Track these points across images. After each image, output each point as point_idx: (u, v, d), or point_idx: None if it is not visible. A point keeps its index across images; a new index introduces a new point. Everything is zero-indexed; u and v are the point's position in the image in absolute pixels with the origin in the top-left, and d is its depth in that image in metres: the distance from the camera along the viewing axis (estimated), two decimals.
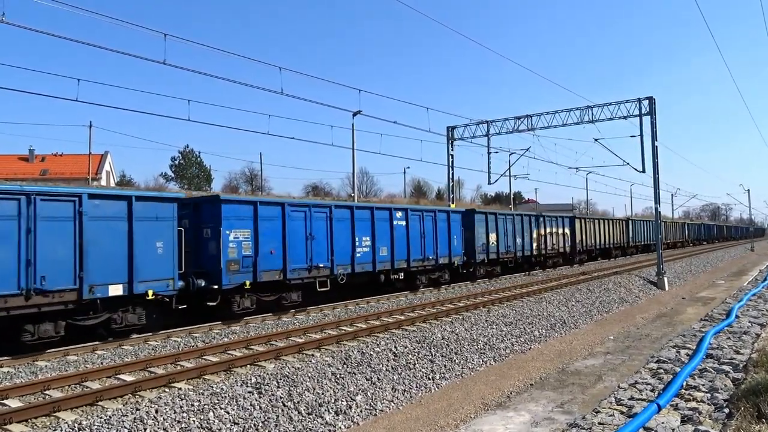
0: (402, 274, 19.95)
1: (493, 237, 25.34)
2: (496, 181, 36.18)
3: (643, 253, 48.22)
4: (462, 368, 11.81)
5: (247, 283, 14.22)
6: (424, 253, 20.82)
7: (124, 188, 39.02)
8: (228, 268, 13.82)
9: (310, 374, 9.64)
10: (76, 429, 6.98)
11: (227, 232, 13.87)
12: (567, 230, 33.28)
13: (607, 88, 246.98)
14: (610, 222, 41.86)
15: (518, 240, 27.66)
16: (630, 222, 46.22)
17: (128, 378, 9.26)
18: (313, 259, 16.11)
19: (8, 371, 9.75)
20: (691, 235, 69.86)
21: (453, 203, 34.04)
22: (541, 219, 30.41)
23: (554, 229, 31.59)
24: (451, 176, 34.17)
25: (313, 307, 16.56)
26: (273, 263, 14.98)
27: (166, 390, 8.68)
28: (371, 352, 11.16)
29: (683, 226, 66.96)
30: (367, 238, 18.25)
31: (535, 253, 29.40)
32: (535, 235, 29.30)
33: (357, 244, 17.71)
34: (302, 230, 15.90)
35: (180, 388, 8.67)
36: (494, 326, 14.77)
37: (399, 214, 19.84)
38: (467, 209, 25.64)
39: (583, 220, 36.04)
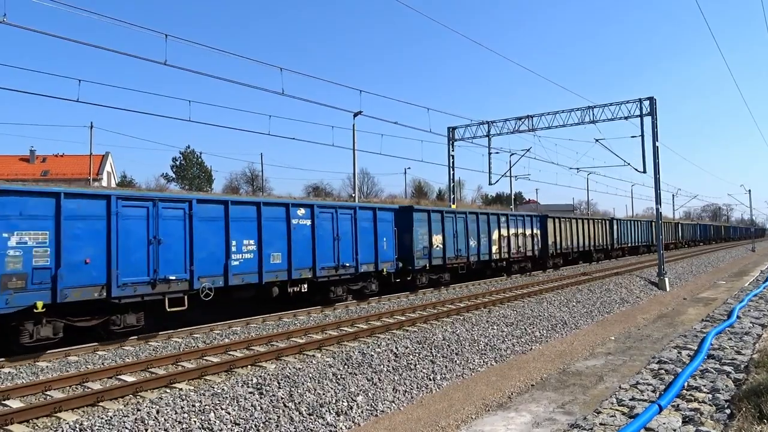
0: (305, 285, 16.19)
1: (438, 239, 21.64)
2: (497, 181, 36.28)
3: (631, 256, 45.22)
4: (463, 369, 11.81)
5: (40, 304, 10.50)
6: (337, 260, 17.07)
7: (117, 188, 39.03)
8: (4, 284, 10.20)
9: (311, 375, 9.64)
10: (78, 429, 6.99)
11: (4, 234, 10.31)
12: (537, 231, 29.81)
13: (608, 89, 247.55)
14: (591, 222, 37.58)
15: (472, 243, 23.83)
16: (614, 222, 42.24)
17: (129, 378, 9.27)
18: (159, 269, 12.44)
19: (9, 372, 9.77)
20: (686, 235, 66.26)
21: (454, 204, 34.08)
22: (504, 219, 26.81)
23: (520, 230, 28.14)
24: (451, 177, 34.19)
25: (314, 308, 16.52)
26: (89, 277, 11.31)
27: (167, 390, 8.68)
28: (372, 353, 11.16)
29: (677, 227, 62.69)
30: (251, 242, 14.52)
31: (495, 257, 25.66)
32: (495, 237, 25.61)
33: (234, 249, 14.03)
34: (142, 232, 12.29)
35: (181, 389, 8.67)
36: (495, 327, 14.77)
37: (301, 212, 16.14)
38: (402, 206, 21.95)
39: (557, 220, 32.13)
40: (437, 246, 21.70)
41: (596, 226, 37.81)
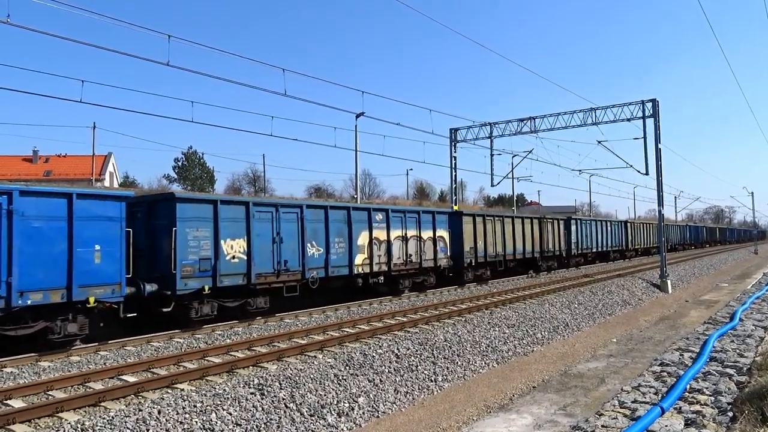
0: None
1: (237, 246, 14.30)
2: (499, 183, 36.20)
3: (599, 263, 38.27)
4: (464, 370, 11.80)
5: None
6: None
7: (127, 189, 39.07)
8: None
9: (312, 376, 9.64)
10: (79, 429, 6.99)
11: None
12: (445, 233, 22.52)
13: (611, 90, 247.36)
14: (536, 222, 29.86)
15: (313, 250, 16.40)
16: (573, 222, 34.27)
17: (131, 379, 9.28)
18: None
19: (11, 371, 9.79)
20: (673, 239, 57.53)
21: (456, 205, 34.07)
22: (380, 215, 19.34)
23: (412, 232, 20.68)
24: (453, 178, 34.19)
25: (316, 309, 16.55)
26: None
27: (169, 391, 8.69)
28: (373, 354, 11.16)
29: None
30: None
31: (361, 270, 18.14)
32: (362, 242, 18.23)
33: None
34: None
35: (182, 389, 8.68)
36: (497, 328, 14.76)
37: None
38: (152, 194, 15.44)
39: (477, 219, 24.71)
40: (234, 256, 14.22)
41: (544, 227, 30.59)
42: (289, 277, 15.62)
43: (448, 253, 22.79)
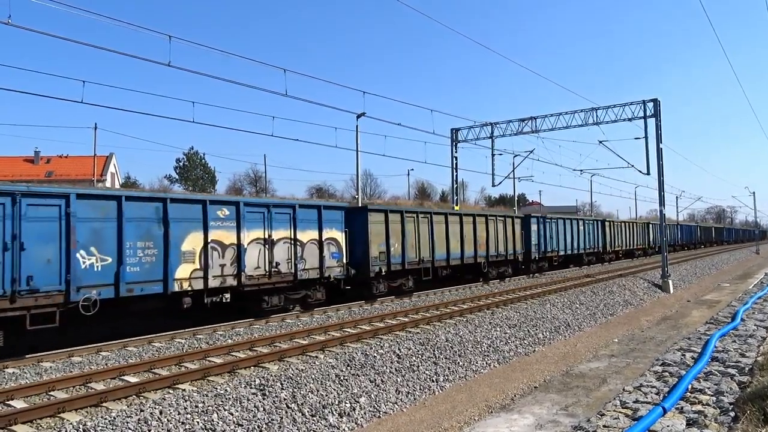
0: None
1: None
2: (500, 183, 36.11)
3: (573, 267, 33.63)
4: (466, 371, 11.80)
5: None
6: None
7: (129, 189, 39.13)
8: None
9: (313, 376, 9.64)
10: (81, 430, 7.00)
11: None
12: (337, 234, 17.41)
13: (612, 90, 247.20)
14: (481, 221, 24.48)
15: (93, 261, 11.54)
16: (533, 221, 29.08)
17: (132, 379, 9.29)
18: None
19: (13, 372, 9.81)
20: (659, 239, 51.82)
21: (457, 205, 34.07)
22: (226, 211, 14.26)
23: (284, 233, 15.67)
24: (455, 178, 34.21)
25: (317, 309, 16.57)
26: None
27: (171, 391, 8.69)
28: (375, 354, 11.16)
29: (645, 228, 48.47)
30: None
31: (190, 286, 13.18)
32: (190, 246, 13.28)
33: None
34: None
35: (184, 390, 8.69)
36: (498, 328, 14.76)
37: None
38: None
39: (394, 216, 19.66)
40: None
41: (492, 226, 25.30)
42: (39, 301, 10.70)
43: (345, 261, 17.61)
